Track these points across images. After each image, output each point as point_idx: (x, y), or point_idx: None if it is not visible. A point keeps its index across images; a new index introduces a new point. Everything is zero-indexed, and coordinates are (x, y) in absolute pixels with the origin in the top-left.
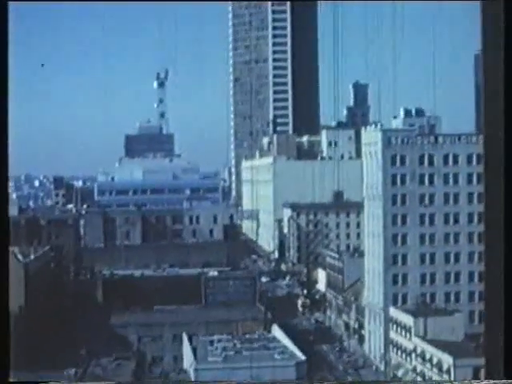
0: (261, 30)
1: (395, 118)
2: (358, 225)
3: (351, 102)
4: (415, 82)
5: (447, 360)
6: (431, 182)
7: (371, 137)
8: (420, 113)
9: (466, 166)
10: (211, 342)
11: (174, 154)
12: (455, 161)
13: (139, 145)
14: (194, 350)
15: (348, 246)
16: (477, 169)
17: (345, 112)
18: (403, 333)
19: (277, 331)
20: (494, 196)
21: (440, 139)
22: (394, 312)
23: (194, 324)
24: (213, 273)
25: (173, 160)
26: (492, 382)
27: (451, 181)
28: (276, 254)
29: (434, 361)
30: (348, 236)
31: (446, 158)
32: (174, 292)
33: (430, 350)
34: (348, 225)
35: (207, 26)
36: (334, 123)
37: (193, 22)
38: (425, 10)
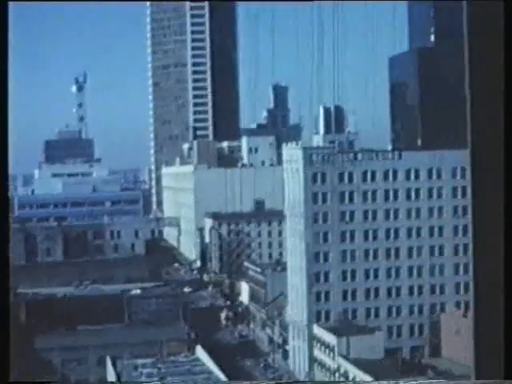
0: (179, 34)
1: (316, 133)
2: (280, 233)
3: (271, 105)
4: (335, 83)
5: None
6: (351, 199)
7: (292, 154)
8: (339, 111)
9: (382, 182)
10: (135, 368)
11: (93, 160)
12: (373, 177)
13: (59, 150)
14: (119, 377)
15: (270, 255)
16: (393, 185)
17: (265, 114)
18: (327, 351)
19: (201, 351)
20: (482, 206)
21: (359, 156)
22: (317, 330)
23: (118, 346)
24: (135, 291)
25: (93, 165)
26: (492, 381)
27: (370, 197)
28: (198, 263)
29: (357, 380)
30: (270, 245)
31: (364, 174)
32: (97, 311)
33: (353, 370)
34: (270, 234)
35: (126, 30)
36: (254, 125)
37: (111, 25)
38: (348, 12)
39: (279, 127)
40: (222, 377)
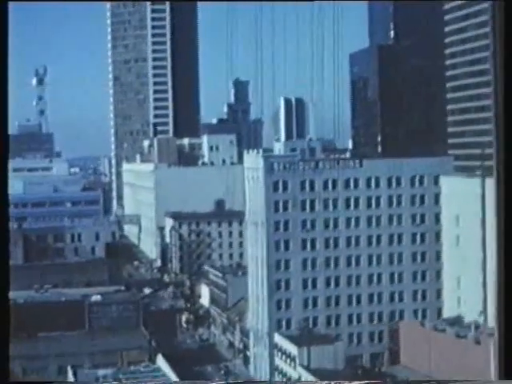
0: (139, 29)
1: (277, 140)
2: (241, 234)
3: (232, 99)
4: (296, 79)
5: None
6: (312, 207)
7: (253, 162)
8: (299, 103)
9: (343, 190)
10: (96, 379)
11: (54, 154)
12: (334, 185)
13: (19, 145)
14: None
15: (231, 256)
16: (354, 193)
17: (225, 109)
18: (288, 361)
19: (162, 360)
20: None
21: (320, 164)
22: (278, 339)
23: (79, 355)
24: (96, 297)
25: (53, 160)
26: (492, 382)
27: (331, 205)
28: (158, 262)
29: None
30: (231, 245)
31: (325, 183)
32: (58, 317)
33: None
34: (230, 234)
35: (87, 25)
36: (214, 120)
37: (72, 20)
38: (307, 10)
39: (240, 122)
40: None
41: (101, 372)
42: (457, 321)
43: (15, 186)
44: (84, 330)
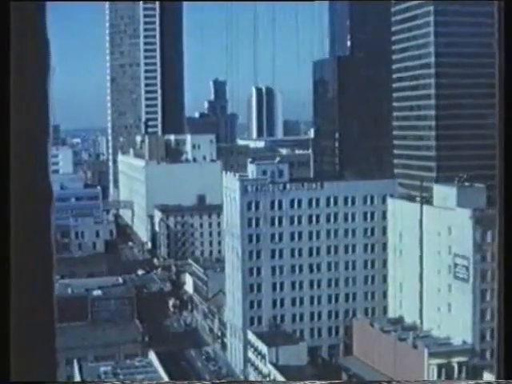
0: (134, 38)
1: (252, 162)
2: (219, 224)
3: (212, 97)
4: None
5: None
6: (280, 222)
7: (231, 183)
8: (269, 91)
9: (307, 208)
10: (98, 376)
11: (59, 143)
12: (299, 204)
13: None
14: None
15: (211, 243)
16: (315, 211)
17: (206, 105)
18: (259, 357)
19: (153, 355)
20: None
21: (287, 186)
22: (251, 336)
23: (83, 347)
24: (97, 292)
25: (59, 148)
26: (492, 382)
27: (296, 221)
28: (149, 245)
29: None
30: (210, 234)
31: (292, 202)
32: (64, 310)
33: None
34: (210, 225)
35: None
36: (197, 114)
37: (71, 29)
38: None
39: (219, 116)
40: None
41: (102, 369)
42: (399, 321)
43: None
44: (87, 320)
